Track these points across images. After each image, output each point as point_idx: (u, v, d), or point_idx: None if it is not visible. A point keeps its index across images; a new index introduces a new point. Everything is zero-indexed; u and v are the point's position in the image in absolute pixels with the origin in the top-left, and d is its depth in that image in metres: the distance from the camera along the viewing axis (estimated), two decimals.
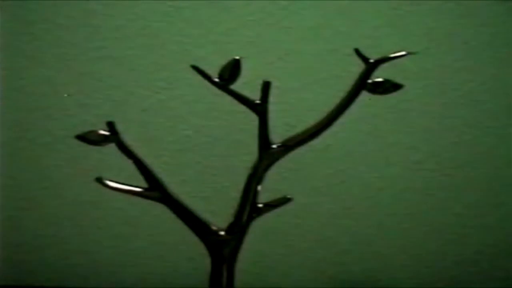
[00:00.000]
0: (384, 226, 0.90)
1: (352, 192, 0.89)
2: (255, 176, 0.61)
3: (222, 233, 0.62)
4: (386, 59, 0.59)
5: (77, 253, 0.89)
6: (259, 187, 0.61)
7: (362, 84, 0.59)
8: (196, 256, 0.65)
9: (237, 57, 0.58)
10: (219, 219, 0.63)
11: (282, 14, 0.86)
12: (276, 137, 0.61)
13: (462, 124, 0.88)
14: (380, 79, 0.59)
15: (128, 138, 0.60)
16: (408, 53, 0.60)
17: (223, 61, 0.59)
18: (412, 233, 0.90)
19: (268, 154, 0.61)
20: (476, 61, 0.88)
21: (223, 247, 0.62)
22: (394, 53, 0.60)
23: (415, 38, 0.86)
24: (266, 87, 0.59)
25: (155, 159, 0.62)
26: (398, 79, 0.60)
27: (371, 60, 0.59)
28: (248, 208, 0.62)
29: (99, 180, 0.60)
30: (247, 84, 0.59)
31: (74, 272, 0.89)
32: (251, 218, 0.62)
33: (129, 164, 0.60)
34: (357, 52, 0.59)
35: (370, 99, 0.60)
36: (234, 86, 0.59)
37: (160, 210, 0.62)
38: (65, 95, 0.85)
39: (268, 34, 0.86)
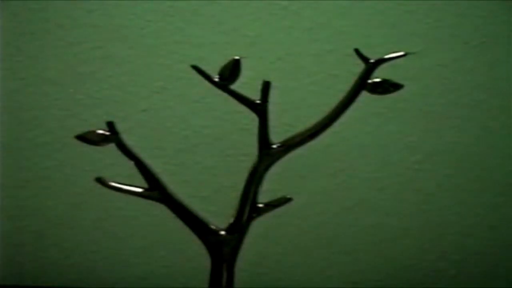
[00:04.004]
0: (384, 226, 0.90)
1: (352, 192, 0.89)
2: (255, 176, 0.61)
3: (222, 233, 0.62)
4: (386, 59, 0.59)
5: (77, 253, 0.89)
6: (259, 187, 0.61)
7: (362, 84, 0.59)
8: (196, 256, 0.65)
9: (237, 57, 0.58)
10: (219, 219, 0.63)
11: (282, 14, 0.86)
12: (276, 137, 0.61)
13: (462, 124, 0.88)
14: (380, 79, 0.59)
15: (128, 138, 0.60)
16: (408, 53, 0.60)
17: (223, 61, 0.59)
18: (412, 233, 0.90)
19: (268, 154, 0.60)
20: (476, 61, 0.88)
21: (223, 247, 0.62)
22: (394, 53, 0.60)
23: (415, 38, 0.86)
24: (266, 87, 0.59)
25: (155, 159, 0.62)
26: (398, 79, 0.60)
27: (371, 60, 0.59)
28: (248, 208, 0.62)
29: (99, 180, 0.60)
30: (247, 84, 0.59)
31: (74, 272, 0.89)
32: (251, 218, 0.62)
33: (129, 164, 0.60)
34: (357, 52, 0.59)
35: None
36: (234, 86, 0.59)
37: (160, 210, 0.62)
38: (71, 90, 0.85)
39: (268, 34, 0.86)
